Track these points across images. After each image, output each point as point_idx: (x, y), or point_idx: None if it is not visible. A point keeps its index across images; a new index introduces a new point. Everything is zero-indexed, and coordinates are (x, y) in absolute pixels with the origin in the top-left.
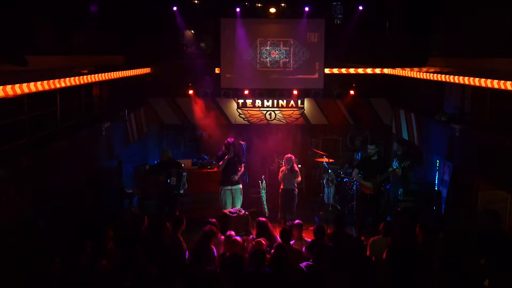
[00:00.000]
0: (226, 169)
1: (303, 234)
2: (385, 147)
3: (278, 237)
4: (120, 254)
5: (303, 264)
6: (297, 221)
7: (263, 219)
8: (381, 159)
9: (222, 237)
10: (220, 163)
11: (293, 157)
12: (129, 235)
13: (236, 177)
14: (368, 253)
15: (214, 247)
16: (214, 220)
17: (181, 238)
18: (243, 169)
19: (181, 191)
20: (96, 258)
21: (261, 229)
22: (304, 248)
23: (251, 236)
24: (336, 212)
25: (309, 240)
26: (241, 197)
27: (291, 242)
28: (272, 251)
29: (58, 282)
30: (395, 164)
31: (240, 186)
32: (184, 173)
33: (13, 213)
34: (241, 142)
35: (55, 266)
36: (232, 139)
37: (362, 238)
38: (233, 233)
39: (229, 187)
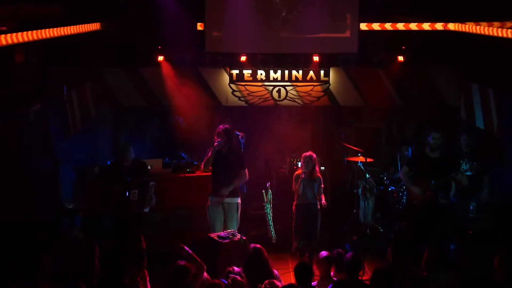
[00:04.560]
0: (217, 172)
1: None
2: (449, 138)
3: (277, 273)
4: None
5: None
6: (324, 253)
7: (259, 246)
8: (444, 157)
9: (206, 274)
10: (209, 154)
11: (314, 155)
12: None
13: (229, 189)
14: None
15: None
16: (185, 247)
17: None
18: (247, 176)
19: (146, 210)
20: None
21: (252, 260)
22: None
23: (236, 270)
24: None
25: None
26: (237, 216)
27: (314, 284)
28: None
29: None
30: (464, 167)
31: (238, 200)
32: (151, 183)
33: None
34: (238, 133)
35: None
36: (228, 126)
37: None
38: (236, 269)
39: (220, 199)
